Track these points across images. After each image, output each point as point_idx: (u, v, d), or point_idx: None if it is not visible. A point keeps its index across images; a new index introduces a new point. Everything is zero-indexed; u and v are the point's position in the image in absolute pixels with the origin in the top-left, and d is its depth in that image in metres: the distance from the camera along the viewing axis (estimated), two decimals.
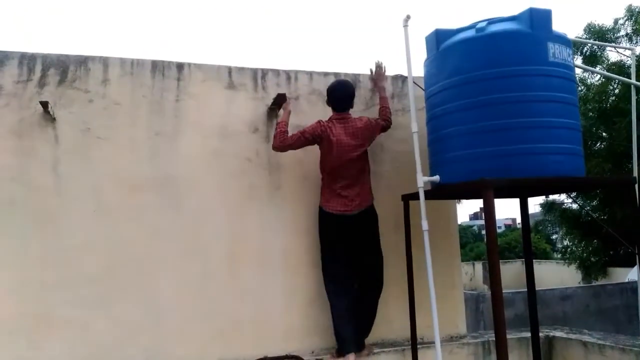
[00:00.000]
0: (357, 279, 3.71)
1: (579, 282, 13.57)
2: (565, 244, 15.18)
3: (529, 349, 3.97)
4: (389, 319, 3.85)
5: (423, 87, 3.62)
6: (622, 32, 11.38)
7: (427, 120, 3.50)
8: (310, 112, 3.87)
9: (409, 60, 3.36)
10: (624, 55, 11.51)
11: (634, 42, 11.37)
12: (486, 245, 2.89)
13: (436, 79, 3.33)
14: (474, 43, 3.13)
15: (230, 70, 3.75)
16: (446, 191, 3.41)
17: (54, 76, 3.42)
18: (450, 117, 3.21)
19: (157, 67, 3.60)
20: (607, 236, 12.42)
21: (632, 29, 11.13)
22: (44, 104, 3.26)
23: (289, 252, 3.73)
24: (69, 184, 3.36)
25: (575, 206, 13.20)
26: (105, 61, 3.52)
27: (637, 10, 11.28)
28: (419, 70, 3.57)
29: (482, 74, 3.07)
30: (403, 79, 4.14)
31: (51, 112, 3.32)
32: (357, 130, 3.61)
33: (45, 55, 3.44)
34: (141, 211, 3.46)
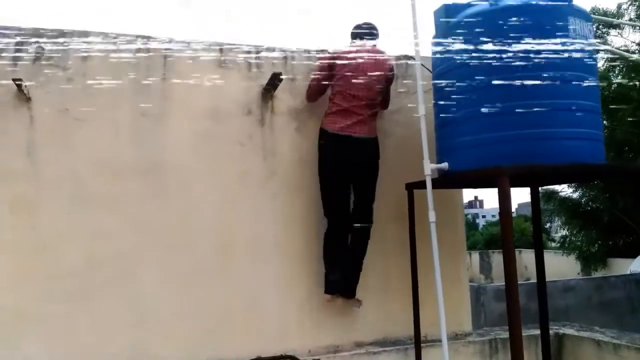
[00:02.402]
0: (352, 220, 3.49)
1: (578, 273, 13.44)
2: (562, 233, 15.03)
3: (538, 348, 3.75)
4: (391, 316, 3.64)
5: (430, 69, 3.37)
6: (626, 17, 11.13)
7: (435, 103, 3.24)
8: None
9: (416, 36, 3.11)
10: (628, 40, 11.29)
11: (638, 27, 11.13)
12: (501, 237, 2.66)
13: (445, 57, 3.07)
14: (487, 17, 2.87)
15: (222, 47, 3.47)
16: (455, 179, 3.16)
17: (29, 52, 3.14)
18: (461, 99, 2.95)
19: (143, 44, 3.31)
20: (607, 226, 12.28)
21: (636, 14, 10.89)
22: (18, 82, 2.99)
23: (284, 243, 3.49)
24: (45, 169, 3.10)
25: (575, 195, 13.05)
26: (86, 36, 3.24)
27: None
28: (424, 50, 3.32)
29: (494, 51, 2.81)
30: (408, 58, 3.87)
31: (26, 91, 3.05)
32: (380, 56, 3.51)
33: (19, 28, 3.16)
34: (124, 199, 3.20)
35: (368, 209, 3.51)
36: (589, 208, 13.21)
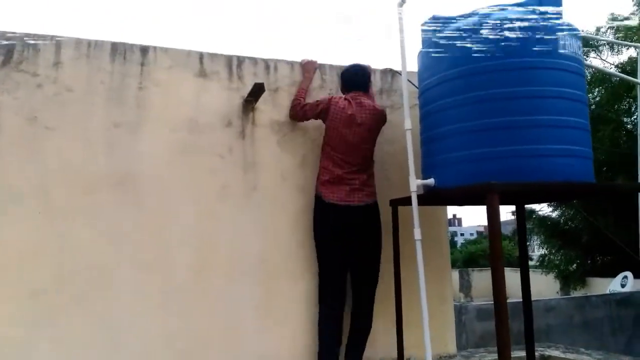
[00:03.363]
0: (354, 288, 3.35)
1: (557, 292, 13.47)
2: (541, 252, 15.09)
3: None
4: (373, 337, 3.47)
5: (416, 85, 3.29)
6: (602, 41, 11.34)
7: (421, 118, 3.16)
8: None
9: (402, 48, 3.03)
10: (607, 62, 11.48)
11: (615, 50, 11.35)
12: (490, 257, 2.56)
13: (433, 71, 3.00)
14: (476, 30, 2.80)
15: (201, 56, 3.35)
16: (441, 196, 3.07)
17: None
18: (448, 114, 2.87)
19: (118, 50, 3.17)
20: (586, 245, 12.35)
21: (615, 37, 11.09)
22: None
23: (266, 261, 3.33)
24: (11, 180, 2.91)
25: (554, 214, 13.13)
26: (57, 41, 3.09)
27: (619, 18, 11.26)
28: (411, 64, 3.24)
29: (484, 65, 2.75)
30: (392, 73, 3.80)
31: None
32: (373, 112, 3.35)
33: None
34: (96, 213, 3.02)
35: (373, 284, 3.35)
36: (567, 227, 13.30)
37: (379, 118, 3.38)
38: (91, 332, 2.94)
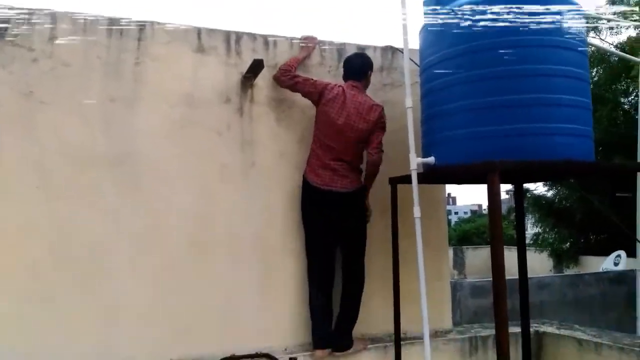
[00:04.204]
0: (342, 270, 3.37)
1: (550, 270, 13.63)
2: (535, 231, 15.22)
3: (518, 345, 3.69)
4: (370, 313, 3.53)
5: (417, 63, 3.26)
6: (604, 21, 11.26)
7: (422, 96, 3.13)
8: None
9: (405, 25, 2.98)
10: (606, 42, 11.43)
11: (615, 30, 11.28)
12: (490, 235, 2.56)
13: (435, 48, 2.96)
14: (479, 6, 2.76)
15: (199, 31, 3.29)
16: (441, 174, 3.06)
17: None
18: (451, 92, 2.84)
19: (115, 25, 3.11)
20: (579, 224, 12.45)
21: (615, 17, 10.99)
22: None
23: (264, 238, 3.34)
24: (7, 155, 2.87)
25: (549, 194, 13.21)
26: (53, 16, 3.02)
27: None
28: (412, 41, 3.20)
29: (488, 43, 2.71)
30: (393, 50, 3.76)
31: None
32: (369, 109, 3.28)
33: None
34: (92, 190, 3.00)
35: (357, 263, 3.37)
36: (561, 206, 13.39)
37: (371, 115, 3.30)
38: (88, 308, 2.95)
